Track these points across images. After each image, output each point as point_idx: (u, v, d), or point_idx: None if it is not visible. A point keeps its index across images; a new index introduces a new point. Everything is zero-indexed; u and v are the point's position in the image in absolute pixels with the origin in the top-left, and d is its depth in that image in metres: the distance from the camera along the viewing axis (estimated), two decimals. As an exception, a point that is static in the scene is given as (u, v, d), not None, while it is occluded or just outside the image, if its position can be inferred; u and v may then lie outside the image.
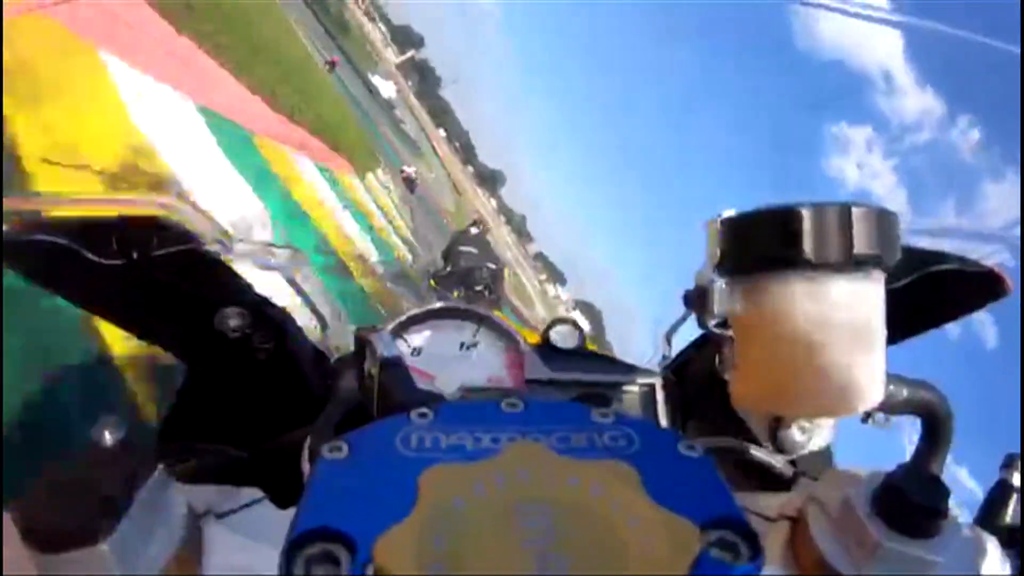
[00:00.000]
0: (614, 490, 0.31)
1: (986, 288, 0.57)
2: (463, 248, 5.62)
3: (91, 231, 0.58)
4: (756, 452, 0.47)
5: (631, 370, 0.83)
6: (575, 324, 0.86)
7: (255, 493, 0.38)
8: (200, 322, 0.69)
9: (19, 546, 0.31)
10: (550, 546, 0.27)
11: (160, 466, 0.33)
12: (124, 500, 0.31)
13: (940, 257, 0.56)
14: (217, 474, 0.47)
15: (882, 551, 0.33)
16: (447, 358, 0.81)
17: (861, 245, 0.37)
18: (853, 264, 0.37)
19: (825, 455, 0.56)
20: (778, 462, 0.45)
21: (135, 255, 0.59)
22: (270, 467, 0.51)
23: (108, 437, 0.33)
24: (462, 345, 0.83)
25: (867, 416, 0.40)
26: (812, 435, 0.42)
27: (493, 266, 5.47)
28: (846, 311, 0.38)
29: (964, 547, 0.34)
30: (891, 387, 0.39)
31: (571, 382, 0.79)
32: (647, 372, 0.82)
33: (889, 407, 0.39)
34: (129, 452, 0.33)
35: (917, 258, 0.57)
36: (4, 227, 0.54)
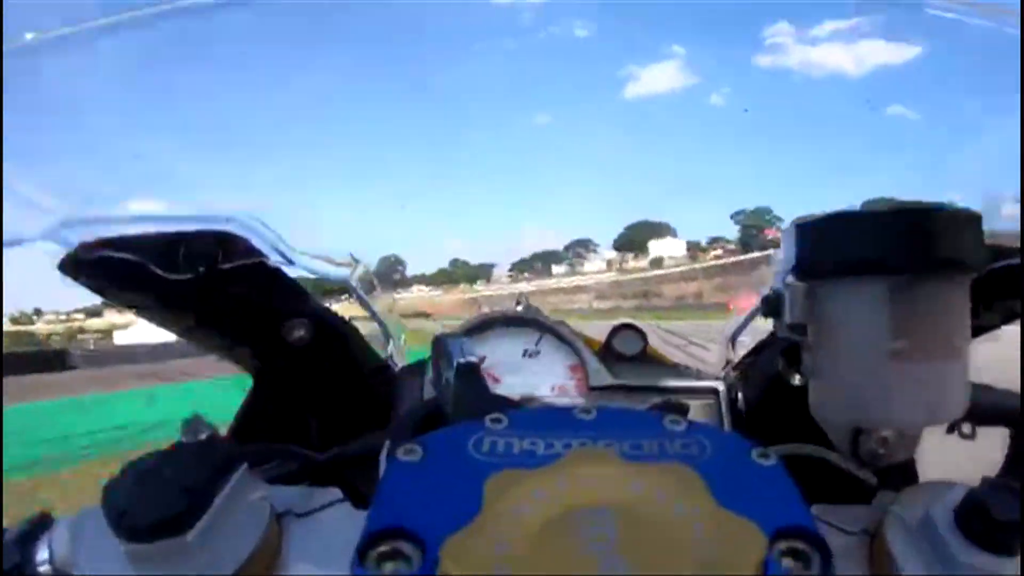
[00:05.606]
0: (678, 494, 0.30)
1: None
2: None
3: (158, 247, 0.60)
4: (838, 461, 0.45)
5: (694, 375, 0.82)
6: (637, 330, 0.85)
7: (335, 493, 0.39)
8: (266, 333, 0.72)
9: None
10: (612, 551, 0.27)
11: (244, 464, 0.35)
12: (209, 494, 0.32)
13: (1008, 251, 0.53)
14: (294, 475, 0.49)
15: (964, 568, 0.31)
16: (510, 365, 0.82)
17: (947, 249, 0.36)
18: (939, 268, 0.36)
19: (908, 468, 0.53)
20: (859, 473, 0.44)
21: (202, 270, 0.61)
22: (348, 469, 0.52)
23: (194, 434, 0.34)
24: (525, 352, 0.84)
25: (952, 427, 0.38)
26: (895, 446, 0.40)
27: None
28: (931, 317, 0.37)
29: None
30: (977, 397, 0.37)
31: (635, 388, 0.79)
32: (710, 377, 0.81)
33: (975, 417, 0.37)
34: (214, 449, 0.34)
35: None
36: (77, 246, 0.56)
